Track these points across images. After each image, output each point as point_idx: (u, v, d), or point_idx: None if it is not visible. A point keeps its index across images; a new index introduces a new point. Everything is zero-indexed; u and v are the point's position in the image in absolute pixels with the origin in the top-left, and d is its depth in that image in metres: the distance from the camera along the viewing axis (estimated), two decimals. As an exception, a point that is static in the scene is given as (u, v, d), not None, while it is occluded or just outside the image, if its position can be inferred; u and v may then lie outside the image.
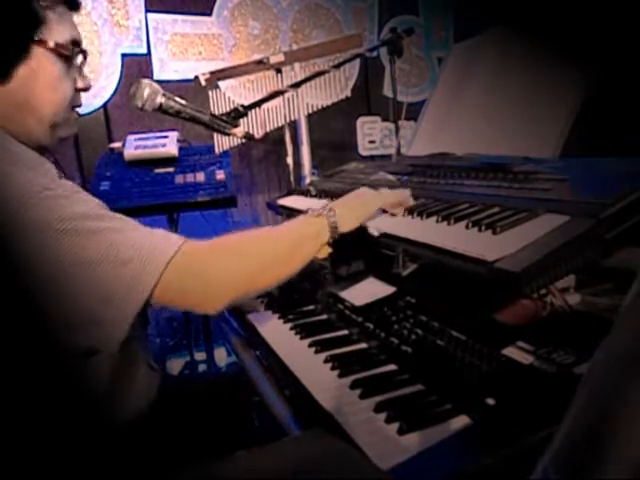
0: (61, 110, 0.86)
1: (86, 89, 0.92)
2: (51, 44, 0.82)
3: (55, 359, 0.79)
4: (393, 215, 1.05)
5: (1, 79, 0.79)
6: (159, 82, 1.05)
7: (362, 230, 1.04)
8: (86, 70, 0.92)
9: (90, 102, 2.57)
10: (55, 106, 0.85)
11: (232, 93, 2.09)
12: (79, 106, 0.92)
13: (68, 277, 0.72)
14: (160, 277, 0.77)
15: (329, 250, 1.34)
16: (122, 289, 0.75)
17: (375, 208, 1.03)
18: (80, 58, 0.89)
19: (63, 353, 0.78)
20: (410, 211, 1.04)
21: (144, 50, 2.72)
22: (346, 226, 0.98)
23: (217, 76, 2.00)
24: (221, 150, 2.07)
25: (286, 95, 1.99)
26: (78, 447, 0.81)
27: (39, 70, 0.82)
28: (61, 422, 0.80)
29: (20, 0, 0.79)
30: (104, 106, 2.65)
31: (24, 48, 0.80)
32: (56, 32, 0.83)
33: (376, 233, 1.03)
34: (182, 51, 2.81)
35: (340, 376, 0.83)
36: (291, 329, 1.05)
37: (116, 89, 2.66)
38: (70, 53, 0.85)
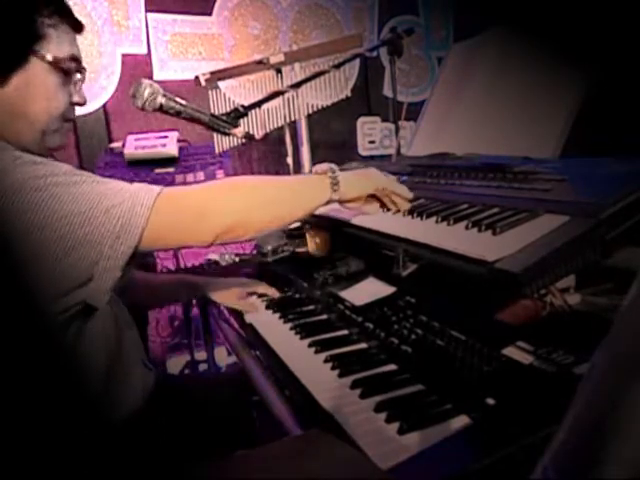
0: (54, 119, 0.88)
1: (81, 104, 0.94)
2: (49, 57, 0.84)
3: (46, 332, 0.79)
4: (388, 210, 1.08)
5: None
6: (159, 82, 1.05)
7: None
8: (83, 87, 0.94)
9: (90, 102, 2.57)
10: (48, 115, 0.86)
11: (232, 93, 2.09)
12: (71, 120, 0.94)
13: (55, 234, 0.72)
14: (148, 217, 0.78)
15: (317, 241, 1.37)
16: (111, 236, 0.76)
17: (378, 185, 1.04)
18: (78, 75, 0.91)
19: (55, 320, 0.78)
20: (410, 211, 1.04)
21: (144, 50, 2.72)
22: (347, 193, 1.00)
23: (217, 76, 2.00)
24: (221, 150, 2.07)
25: (286, 95, 1.99)
26: (71, 443, 0.81)
27: (34, 79, 0.84)
28: (54, 416, 0.81)
29: (23, 14, 0.82)
30: (104, 106, 2.65)
31: (22, 58, 0.82)
32: (55, 47, 0.85)
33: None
34: (182, 51, 2.81)
35: (340, 376, 0.83)
36: (291, 329, 1.05)
37: (116, 89, 2.65)
38: (67, 68, 0.88)
